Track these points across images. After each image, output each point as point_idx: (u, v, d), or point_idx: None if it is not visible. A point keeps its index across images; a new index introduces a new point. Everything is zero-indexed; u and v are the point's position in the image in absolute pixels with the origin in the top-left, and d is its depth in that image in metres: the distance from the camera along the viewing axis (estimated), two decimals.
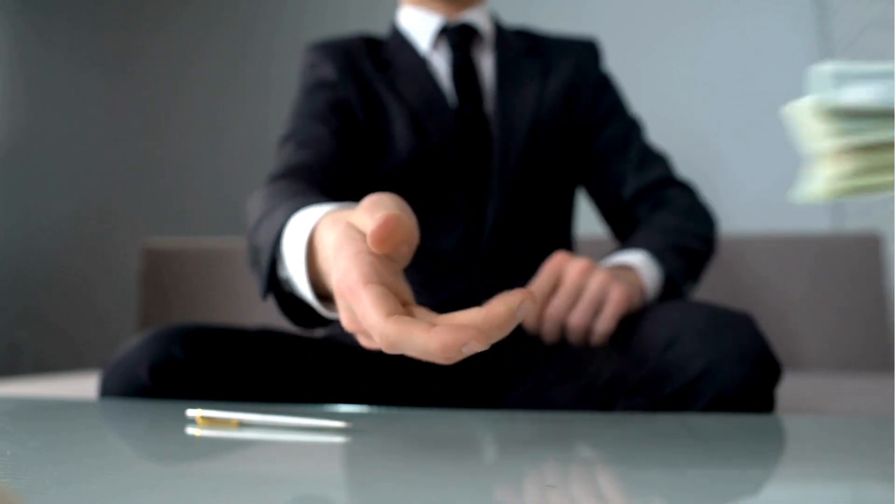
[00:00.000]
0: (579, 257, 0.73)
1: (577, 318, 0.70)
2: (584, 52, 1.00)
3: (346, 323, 0.44)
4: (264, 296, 0.61)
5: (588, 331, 0.71)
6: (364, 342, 0.45)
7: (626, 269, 0.79)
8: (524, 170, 0.90)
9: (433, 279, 0.88)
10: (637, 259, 0.79)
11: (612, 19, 2.22)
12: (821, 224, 2.09)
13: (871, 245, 1.63)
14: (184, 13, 2.55)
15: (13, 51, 2.62)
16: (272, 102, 2.39)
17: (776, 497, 0.34)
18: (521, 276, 0.88)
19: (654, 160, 0.96)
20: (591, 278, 0.70)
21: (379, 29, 1.11)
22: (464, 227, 0.88)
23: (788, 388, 1.17)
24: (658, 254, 0.80)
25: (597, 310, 0.70)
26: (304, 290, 0.54)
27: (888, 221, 1.82)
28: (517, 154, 0.90)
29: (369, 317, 0.37)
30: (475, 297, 0.87)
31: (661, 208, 0.92)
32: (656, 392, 0.62)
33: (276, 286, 0.61)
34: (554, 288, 0.71)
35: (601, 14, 2.25)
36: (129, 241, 2.47)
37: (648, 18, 2.24)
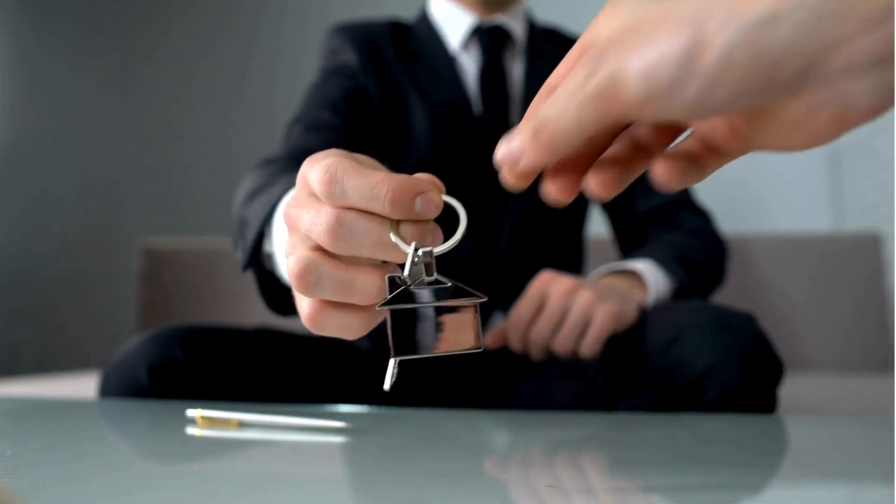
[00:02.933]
0: (565, 276, 0.71)
1: (559, 344, 0.68)
2: None
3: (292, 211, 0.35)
4: (245, 268, 0.58)
5: (575, 352, 0.70)
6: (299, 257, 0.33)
7: (627, 274, 0.77)
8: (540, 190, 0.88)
9: None
10: (641, 265, 0.78)
11: None
12: (821, 224, 2.09)
13: (871, 245, 1.63)
14: (186, 13, 2.55)
15: (14, 51, 2.62)
16: (272, 103, 2.39)
17: (777, 497, 0.34)
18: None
19: None
20: (576, 300, 0.68)
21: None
22: (480, 235, 0.86)
23: (789, 388, 1.17)
24: (664, 262, 0.78)
25: (581, 332, 0.68)
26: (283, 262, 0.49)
27: (888, 221, 1.82)
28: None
29: (316, 162, 0.32)
30: (489, 303, 0.86)
31: (672, 230, 0.90)
32: (658, 391, 0.62)
33: (259, 264, 0.58)
34: (539, 309, 0.70)
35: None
36: (128, 242, 2.47)
37: None
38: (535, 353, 0.70)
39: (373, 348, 0.89)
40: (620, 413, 0.65)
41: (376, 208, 0.31)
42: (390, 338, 0.32)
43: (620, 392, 0.67)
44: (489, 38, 0.92)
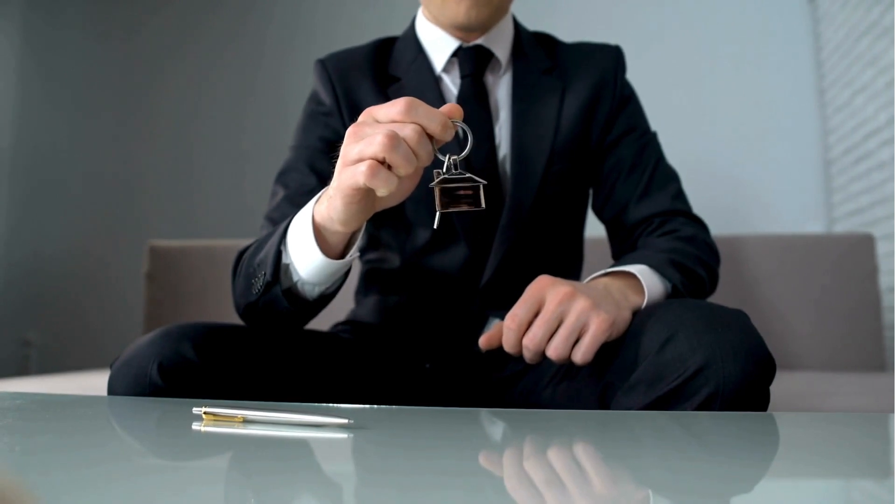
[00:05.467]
0: (562, 281, 0.71)
1: (553, 350, 0.68)
2: (606, 64, 0.94)
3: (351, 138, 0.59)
4: (271, 281, 0.70)
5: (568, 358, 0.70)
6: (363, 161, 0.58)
7: (622, 277, 0.77)
8: (538, 202, 0.88)
9: (438, 296, 0.89)
10: (637, 268, 0.77)
11: (614, 31, 2.23)
12: (815, 226, 2.09)
13: (866, 246, 1.63)
14: (198, 19, 2.56)
15: (27, 53, 2.64)
16: (278, 110, 2.40)
17: (772, 492, 0.35)
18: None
19: (662, 187, 0.91)
20: (573, 305, 0.68)
21: (383, 29, 1.07)
22: (468, 254, 0.87)
23: (783, 387, 1.18)
24: (658, 267, 0.78)
25: (576, 339, 0.68)
26: (308, 239, 0.67)
27: (881, 223, 1.82)
28: (532, 189, 0.87)
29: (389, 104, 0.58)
30: (479, 316, 0.88)
31: (667, 236, 0.88)
32: (653, 389, 0.63)
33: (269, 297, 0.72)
34: (535, 313, 0.70)
35: (605, 24, 2.25)
36: (137, 242, 2.48)
37: (651, 24, 2.25)
38: (529, 357, 0.71)
39: (385, 359, 0.89)
40: (616, 412, 0.66)
41: (432, 128, 0.58)
42: (437, 202, 0.60)
43: (615, 391, 0.68)
44: (469, 61, 0.90)
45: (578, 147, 0.91)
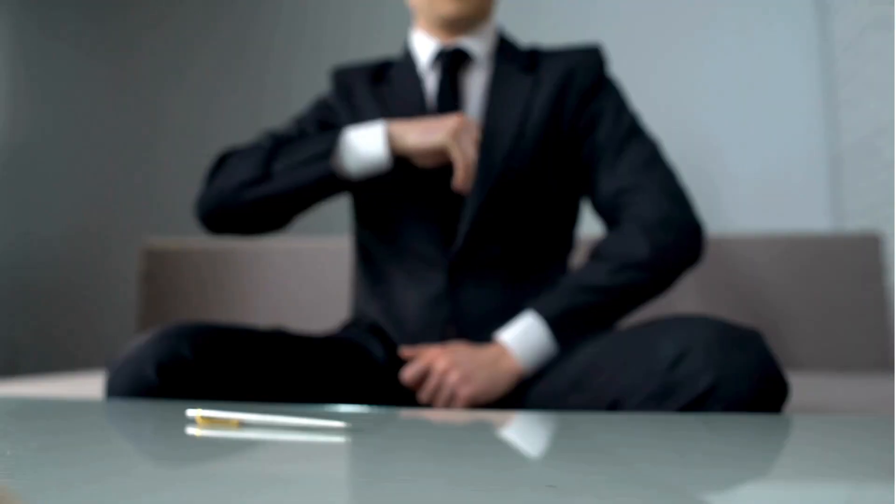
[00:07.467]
0: (450, 352, 0.83)
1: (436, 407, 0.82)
2: (581, 58, 0.99)
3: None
4: (329, 150, 0.88)
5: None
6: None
7: (499, 350, 0.84)
8: (501, 185, 0.92)
9: (416, 275, 0.94)
10: (517, 331, 0.84)
11: (616, 25, 2.22)
12: (821, 225, 2.09)
13: (871, 245, 1.63)
14: (192, 19, 2.56)
15: (14, 51, 2.63)
16: (271, 107, 2.40)
17: (774, 495, 0.35)
18: (495, 275, 0.93)
19: (629, 162, 0.93)
20: (446, 379, 0.82)
21: (377, 40, 1.10)
22: (439, 234, 0.93)
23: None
24: (550, 320, 0.85)
25: (450, 400, 0.82)
26: (376, 135, 0.89)
27: (889, 222, 1.81)
28: (494, 172, 0.92)
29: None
30: (454, 294, 0.91)
31: (619, 226, 0.91)
32: (663, 407, 0.63)
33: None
34: (423, 377, 0.84)
35: (605, 21, 2.25)
36: (129, 243, 2.48)
37: (651, 20, 2.24)
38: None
39: (386, 359, 0.90)
40: (615, 411, 0.65)
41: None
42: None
43: (625, 407, 0.68)
44: (447, 60, 0.99)
45: (547, 136, 0.95)
